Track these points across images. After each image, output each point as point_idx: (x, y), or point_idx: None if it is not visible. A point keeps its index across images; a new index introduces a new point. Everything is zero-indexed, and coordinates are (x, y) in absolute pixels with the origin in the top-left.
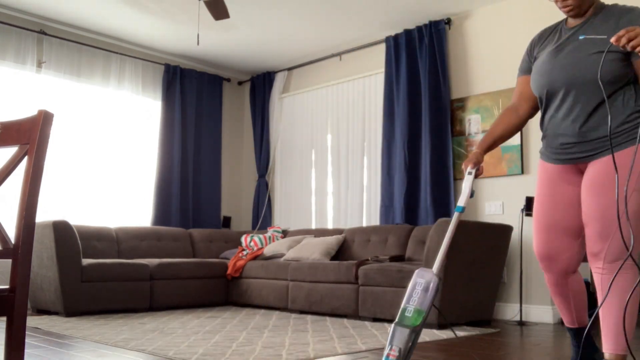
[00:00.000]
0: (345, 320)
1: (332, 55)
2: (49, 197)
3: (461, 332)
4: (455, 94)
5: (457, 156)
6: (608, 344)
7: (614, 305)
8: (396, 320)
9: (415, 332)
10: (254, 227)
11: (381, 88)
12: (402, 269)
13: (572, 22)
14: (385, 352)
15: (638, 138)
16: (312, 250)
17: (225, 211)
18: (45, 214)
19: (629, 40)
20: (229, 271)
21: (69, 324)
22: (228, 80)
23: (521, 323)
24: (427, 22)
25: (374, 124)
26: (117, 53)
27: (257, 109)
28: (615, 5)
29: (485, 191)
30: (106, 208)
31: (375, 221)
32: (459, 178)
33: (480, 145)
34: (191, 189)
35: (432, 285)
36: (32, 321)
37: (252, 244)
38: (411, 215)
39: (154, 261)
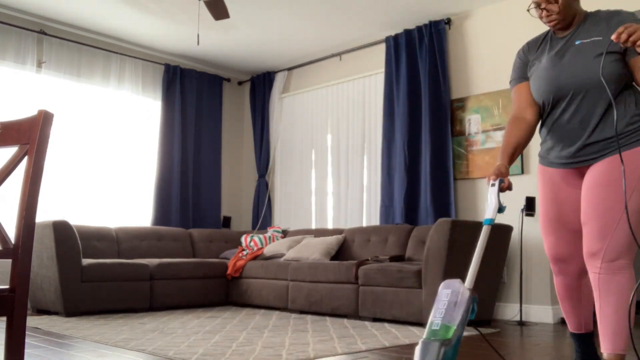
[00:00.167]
0: (345, 320)
1: (332, 55)
2: (49, 197)
3: None
4: (455, 94)
5: (457, 156)
6: (606, 344)
7: (610, 305)
8: (424, 336)
9: (446, 345)
10: (254, 227)
11: (381, 88)
12: (402, 269)
13: (561, 32)
14: None
15: None
16: (312, 250)
17: (225, 211)
18: (45, 214)
19: (629, 36)
20: (229, 271)
21: (69, 324)
22: (228, 80)
23: (521, 323)
24: (427, 22)
25: (374, 124)
26: (117, 53)
27: (257, 109)
28: (599, 11)
29: (485, 191)
30: (106, 208)
31: (375, 221)
32: (458, 178)
33: (502, 157)
34: (191, 189)
35: (465, 300)
36: (32, 321)
37: (252, 244)
38: (411, 215)
39: (154, 261)
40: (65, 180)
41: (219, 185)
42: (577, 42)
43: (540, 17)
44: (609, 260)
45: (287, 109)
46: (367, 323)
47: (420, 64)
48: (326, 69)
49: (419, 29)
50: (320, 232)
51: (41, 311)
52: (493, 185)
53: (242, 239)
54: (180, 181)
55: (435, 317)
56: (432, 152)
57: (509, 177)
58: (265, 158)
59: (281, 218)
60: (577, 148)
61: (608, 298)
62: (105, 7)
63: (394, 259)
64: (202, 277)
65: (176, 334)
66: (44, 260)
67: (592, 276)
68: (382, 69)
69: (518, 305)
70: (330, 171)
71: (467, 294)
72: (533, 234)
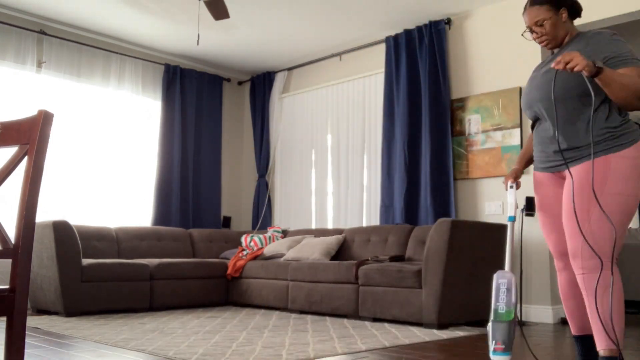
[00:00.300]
0: (345, 320)
1: (332, 55)
2: (49, 197)
3: (461, 332)
4: (455, 94)
5: (457, 156)
6: (600, 342)
7: (598, 303)
8: (492, 318)
9: (511, 324)
10: (254, 227)
11: (381, 88)
12: (402, 269)
13: (555, 51)
14: (492, 347)
15: None
16: (312, 250)
17: (225, 211)
18: (45, 214)
19: (566, 64)
20: (229, 271)
21: (69, 324)
22: (228, 80)
23: (521, 323)
24: (427, 22)
25: (374, 124)
26: (117, 53)
27: (257, 109)
28: (589, 31)
29: (485, 191)
30: (106, 208)
31: (375, 221)
32: (458, 178)
33: (519, 162)
34: (191, 189)
35: (512, 284)
36: (32, 321)
37: (252, 244)
38: (411, 215)
39: (154, 261)
40: (65, 180)
41: (219, 185)
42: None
43: (534, 39)
44: (588, 259)
45: (287, 109)
46: (367, 323)
47: (420, 64)
48: (326, 69)
49: (419, 29)
50: (320, 232)
51: (41, 311)
52: (512, 187)
53: (242, 239)
54: (180, 181)
55: (499, 302)
56: (432, 152)
57: (520, 179)
58: (265, 158)
59: (281, 218)
60: (550, 155)
61: (593, 297)
62: (105, 7)
63: (394, 259)
64: (202, 277)
65: (176, 334)
66: (44, 260)
67: (578, 277)
68: (382, 69)
69: (518, 305)
70: (330, 171)
71: (513, 279)
72: (533, 234)
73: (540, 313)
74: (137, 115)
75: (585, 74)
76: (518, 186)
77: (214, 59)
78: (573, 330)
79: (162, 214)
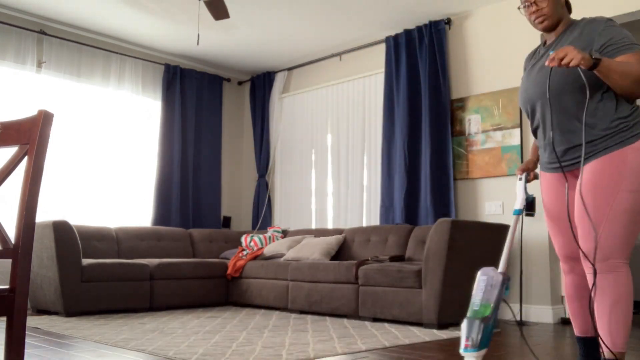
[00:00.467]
0: (345, 320)
1: (332, 55)
2: (49, 197)
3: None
4: (455, 94)
5: (457, 156)
6: (605, 342)
7: (606, 304)
8: (467, 315)
9: (485, 321)
10: (254, 227)
11: (381, 88)
12: (402, 269)
13: (548, 40)
14: (462, 344)
15: None
16: (312, 250)
17: (225, 211)
18: (45, 214)
19: (560, 61)
20: (229, 271)
21: (69, 324)
22: (228, 80)
23: (521, 323)
24: (427, 22)
25: (374, 124)
26: (117, 53)
27: (257, 109)
28: (583, 19)
29: (485, 191)
30: (106, 208)
31: (375, 221)
32: (458, 178)
33: (532, 153)
34: (191, 189)
35: (498, 282)
36: (32, 321)
37: (252, 244)
38: (411, 215)
39: (154, 261)
40: (65, 180)
41: (219, 185)
42: (551, 52)
43: (530, 15)
44: (601, 259)
45: (287, 109)
46: (367, 323)
47: (420, 64)
48: (326, 69)
49: (419, 29)
50: (320, 232)
51: (41, 311)
52: (520, 179)
53: (242, 239)
54: (180, 181)
55: (475, 299)
56: (432, 152)
57: (535, 170)
58: (265, 158)
59: (281, 218)
60: (559, 153)
61: (603, 297)
62: (105, 7)
63: (394, 259)
64: (202, 277)
65: (176, 334)
66: (44, 260)
67: (588, 277)
68: (382, 69)
69: (518, 305)
70: (330, 171)
71: (499, 277)
72: (533, 234)
73: (540, 313)
74: (137, 115)
75: (582, 67)
76: (531, 178)
77: (214, 59)
78: (576, 331)
79: (162, 214)
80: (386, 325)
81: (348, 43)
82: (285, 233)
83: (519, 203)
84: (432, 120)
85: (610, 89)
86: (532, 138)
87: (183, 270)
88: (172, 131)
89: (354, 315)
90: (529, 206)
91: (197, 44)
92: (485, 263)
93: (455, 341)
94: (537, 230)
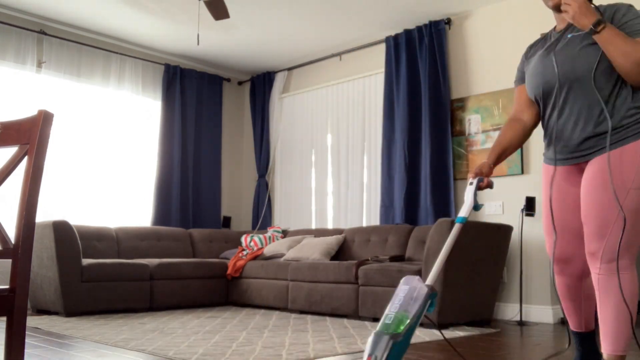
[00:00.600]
0: (345, 320)
1: (332, 55)
2: (49, 197)
3: (461, 332)
4: (455, 94)
5: (457, 156)
6: (606, 345)
7: (611, 305)
8: (377, 328)
9: (395, 338)
10: (254, 227)
11: (381, 88)
12: (402, 269)
13: (560, 26)
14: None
15: None
16: (312, 250)
17: (225, 211)
18: (45, 214)
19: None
20: (229, 271)
21: (69, 324)
22: (228, 80)
23: (521, 323)
24: (427, 22)
25: (374, 124)
26: (117, 53)
27: (257, 109)
28: (600, 5)
29: (485, 191)
30: (106, 208)
31: (375, 221)
32: (459, 178)
33: (489, 156)
34: (191, 189)
35: (420, 294)
36: (32, 321)
37: (252, 244)
38: (411, 215)
39: (154, 261)
40: (65, 180)
41: (219, 185)
42: (569, 36)
43: None
44: (608, 260)
45: (287, 109)
46: (367, 323)
47: (420, 64)
48: (326, 69)
49: (419, 29)
50: (320, 232)
51: (41, 311)
52: (471, 183)
53: (242, 239)
54: (180, 181)
55: (390, 311)
56: (432, 152)
57: (490, 176)
58: (265, 158)
59: (281, 218)
60: (572, 144)
61: (608, 299)
62: (105, 7)
63: (394, 259)
64: (202, 277)
65: (176, 334)
66: (44, 260)
67: (593, 276)
68: (382, 69)
69: (518, 305)
70: (330, 171)
71: (424, 290)
72: (533, 234)
73: (540, 313)
74: (137, 115)
75: (575, 21)
76: (484, 185)
77: (214, 59)
78: (571, 326)
79: (162, 214)
80: None
81: (348, 43)
82: (285, 233)
83: (465, 211)
84: (432, 120)
85: (621, 77)
86: (531, 138)
87: (183, 270)
88: (172, 131)
89: (354, 315)
90: (529, 206)
91: (197, 44)
92: (485, 263)
93: (456, 341)
94: (538, 230)
